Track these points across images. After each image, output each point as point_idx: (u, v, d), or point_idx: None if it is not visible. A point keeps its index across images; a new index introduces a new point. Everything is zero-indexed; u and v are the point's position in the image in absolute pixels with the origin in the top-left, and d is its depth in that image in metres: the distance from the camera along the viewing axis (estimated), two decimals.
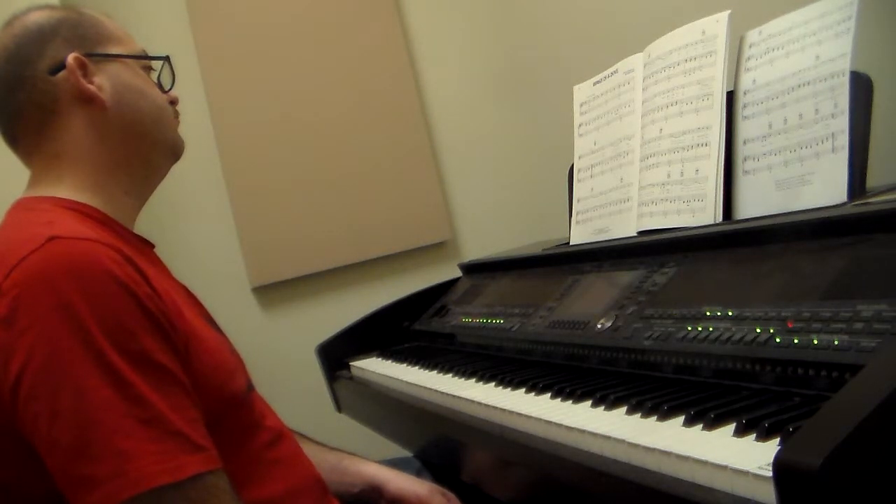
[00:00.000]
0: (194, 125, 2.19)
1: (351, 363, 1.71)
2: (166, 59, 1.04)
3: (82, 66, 0.94)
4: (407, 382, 1.36)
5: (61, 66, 0.93)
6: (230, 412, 0.89)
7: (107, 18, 1.01)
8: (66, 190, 0.93)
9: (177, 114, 1.06)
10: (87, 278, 0.75)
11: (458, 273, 1.86)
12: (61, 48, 0.94)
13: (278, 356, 2.13)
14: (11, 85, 0.93)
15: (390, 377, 1.47)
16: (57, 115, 0.94)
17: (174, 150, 1.04)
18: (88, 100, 0.94)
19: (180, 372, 0.79)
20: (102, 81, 0.95)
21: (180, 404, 0.77)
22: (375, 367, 1.59)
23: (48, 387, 0.73)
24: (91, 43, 0.96)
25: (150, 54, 1.04)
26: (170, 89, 1.05)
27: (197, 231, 2.21)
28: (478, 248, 2.29)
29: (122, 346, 0.75)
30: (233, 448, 0.88)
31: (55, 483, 0.74)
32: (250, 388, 0.98)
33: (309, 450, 1.08)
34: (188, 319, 0.86)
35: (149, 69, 1.03)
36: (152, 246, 1.04)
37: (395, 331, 1.77)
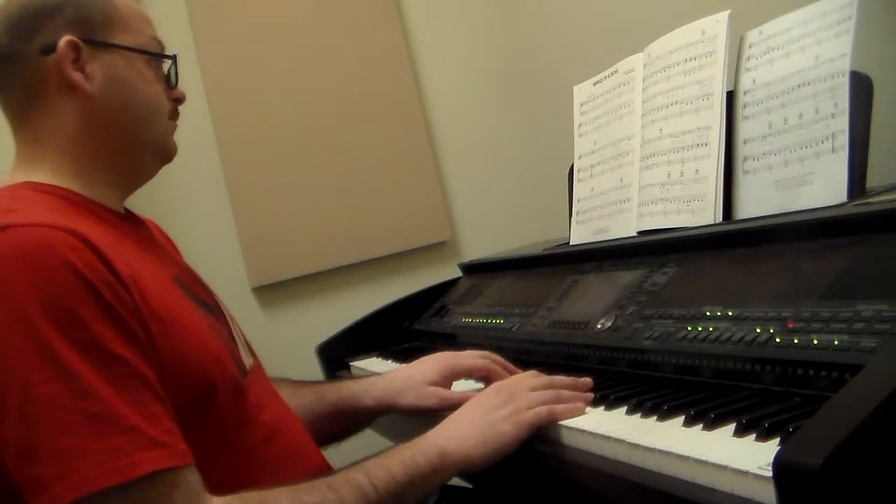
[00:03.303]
0: (194, 125, 2.19)
1: (351, 363, 1.71)
2: (172, 58, 1.00)
3: (76, 51, 0.90)
4: None
5: (54, 47, 0.89)
6: (216, 402, 0.85)
7: (125, 1, 0.96)
8: (44, 174, 0.90)
9: (175, 114, 1.01)
10: (36, 266, 0.72)
11: (458, 273, 1.86)
12: (60, 28, 0.90)
13: (278, 356, 2.12)
14: (4, 55, 0.90)
15: None
16: (42, 99, 0.91)
17: (162, 153, 0.99)
18: (73, 88, 0.90)
19: (141, 363, 0.75)
20: (94, 70, 0.91)
21: (138, 398, 0.73)
22: (376, 368, 1.58)
23: None
24: (94, 27, 0.92)
25: (167, 53, 0.99)
26: (176, 86, 1.00)
27: (197, 231, 2.20)
28: (478, 248, 2.29)
29: (71, 336, 0.71)
30: (219, 444, 0.84)
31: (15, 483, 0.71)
32: (244, 375, 0.93)
33: (303, 392, 1.12)
34: (160, 302, 0.82)
35: (156, 63, 0.98)
36: (141, 223, 1.02)
37: (395, 331, 1.77)
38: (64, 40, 0.89)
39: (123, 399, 0.71)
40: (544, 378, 0.99)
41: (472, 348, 1.50)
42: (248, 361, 1.00)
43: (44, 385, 0.69)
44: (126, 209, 1.01)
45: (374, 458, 0.87)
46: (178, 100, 1.01)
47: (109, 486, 0.68)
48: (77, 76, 0.90)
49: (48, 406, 0.69)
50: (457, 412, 0.97)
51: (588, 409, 0.93)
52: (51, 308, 0.71)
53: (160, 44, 0.99)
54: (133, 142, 0.96)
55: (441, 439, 0.91)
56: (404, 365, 1.22)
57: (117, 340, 0.74)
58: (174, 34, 2.19)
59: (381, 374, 1.21)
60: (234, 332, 1.02)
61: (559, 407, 0.92)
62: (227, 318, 1.03)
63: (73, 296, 0.72)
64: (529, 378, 0.99)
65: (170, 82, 1.00)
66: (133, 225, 0.99)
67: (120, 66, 0.93)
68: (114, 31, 0.93)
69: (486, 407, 0.94)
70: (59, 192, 0.88)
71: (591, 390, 0.98)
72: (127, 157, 0.96)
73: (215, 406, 0.85)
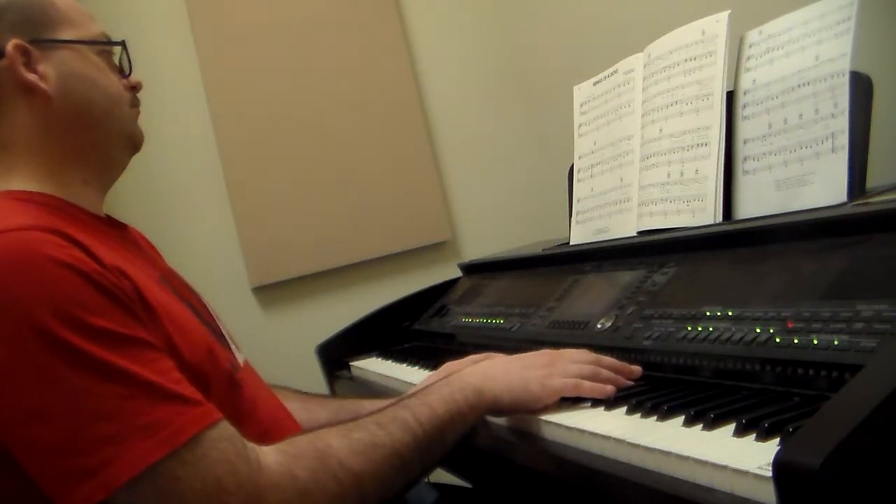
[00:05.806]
0: (194, 125, 2.20)
1: (351, 363, 1.71)
2: (122, 44, 0.99)
3: (25, 54, 0.89)
4: (407, 382, 1.36)
5: (2, 52, 0.88)
6: (210, 395, 0.84)
7: (63, 0, 0.95)
8: (18, 181, 0.89)
9: (136, 102, 1.00)
10: (27, 268, 0.72)
11: (458, 273, 1.86)
12: (3, 34, 0.89)
13: (278, 356, 2.12)
14: None
15: (390, 377, 1.46)
16: (1, 106, 0.90)
17: (130, 142, 0.99)
18: (30, 90, 0.89)
19: (150, 336, 0.76)
20: (47, 69, 0.90)
21: (161, 367, 0.74)
22: (375, 367, 1.59)
23: (14, 389, 0.70)
24: (38, 28, 0.91)
25: (114, 40, 0.98)
26: (129, 75, 0.99)
27: (197, 231, 2.21)
28: (478, 248, 2.29)
29: (81, 327, 0.71)
30: None
31: (32, 486, 0.71)
32: (237, 371, 0.94)
33: (314, 407, 1.12)
34: (150, 293, 0.82)
35: (108, 53, 0.97)
36: (123, 227, 1.01)
37: (395, 331, 1.77)
38: (11, 44, 0.88)
39: (150, 371, 0.73)
40: (591, 355, 1.00)
41: (472, 348, 1.51)
42: (240, 358, 1.00)
43: (70, 380, 0.70)
44: (107, 215, 1.00)
45: (414, 397, 0.90)
46: (135, 87, 1.00)
47: (159, 459, 0.69)
48: (32, 77, 0.90)
49: (80, 398, 0.70)
50: (497, 358, 1.01)
51: (588, 409, 0.93)
52: (53, 306, 0.71)
53: (107, 36, 0.98)
54: (100, 134, 0.95)
55: (476, 378, 0.94)
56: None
57: (125, 323, 0.75)
58: (174, 34, 2.20)
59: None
60: (223, 332, 1.02)
61: (587, 384, 0.94)
62: (215, 319, 1.03)
63: (71, 289, 0.73)
64: (577, 351, 1.01)
65: (123, 71, 0.99)
66: (115, 229, 0.99)
67: (72, 61, 0.93)
68: (58, 29, 0.92)
69: (525, 363, 0.98)
70: (38, 199, 0.88)
71: None
72: (96, 150, 0.95)
73: (210, 399, 0.84)
